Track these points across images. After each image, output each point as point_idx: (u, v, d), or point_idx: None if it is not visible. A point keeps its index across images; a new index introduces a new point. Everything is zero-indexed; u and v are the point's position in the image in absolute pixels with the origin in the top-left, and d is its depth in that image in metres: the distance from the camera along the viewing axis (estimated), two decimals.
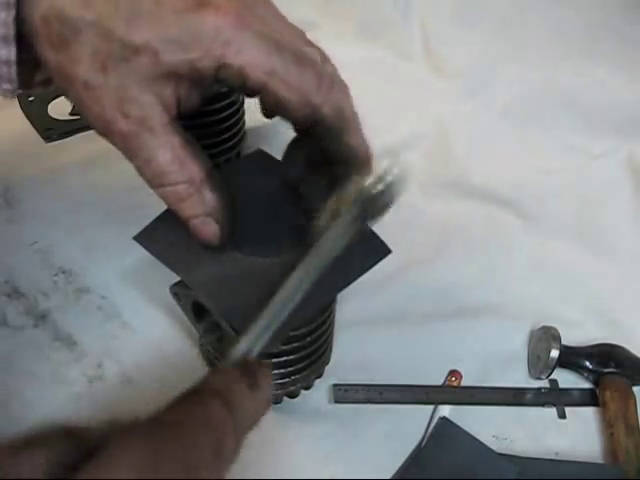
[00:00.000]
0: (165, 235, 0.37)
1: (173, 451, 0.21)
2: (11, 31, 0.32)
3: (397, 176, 0.33)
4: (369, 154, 0.36)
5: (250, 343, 0.29)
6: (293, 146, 0.38)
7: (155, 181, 0.34)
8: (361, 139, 0.36)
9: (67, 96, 0.35)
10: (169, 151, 0.33)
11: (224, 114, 0.55)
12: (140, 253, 0.37)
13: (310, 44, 0.35)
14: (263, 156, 0.42)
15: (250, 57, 0.31)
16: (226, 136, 0.56)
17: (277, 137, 0.52)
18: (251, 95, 0.34)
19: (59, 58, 0.32)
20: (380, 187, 0.32)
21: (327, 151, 0.36)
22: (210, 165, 0.35)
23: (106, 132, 0.34)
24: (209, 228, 0.35)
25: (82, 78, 0.32)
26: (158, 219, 0.38)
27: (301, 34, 0.35)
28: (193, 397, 0.24)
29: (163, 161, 0.33)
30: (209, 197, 0.35)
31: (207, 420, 0.23)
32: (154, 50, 0.31)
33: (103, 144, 0.34)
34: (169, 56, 0.31)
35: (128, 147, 0.34)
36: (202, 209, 0.35)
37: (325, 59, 0.35)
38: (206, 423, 0.22)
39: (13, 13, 0.31)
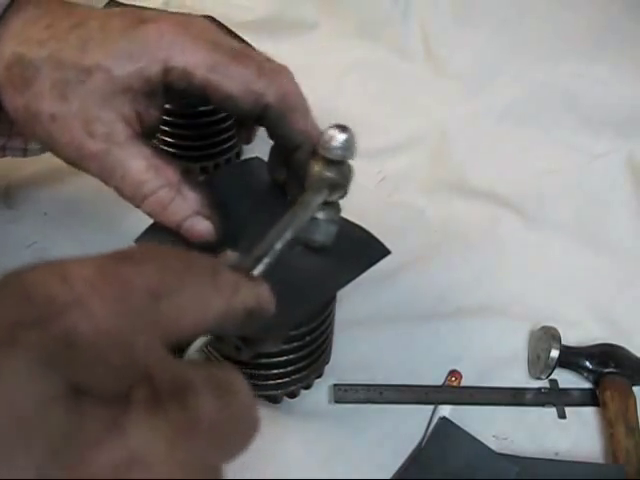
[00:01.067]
0: (166, 237, 0.37)
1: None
2: None
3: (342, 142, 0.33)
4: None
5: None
6: (274, 149, 0.40)
7: (136, 195, 0.35)
8: (311, 122, 0.37)
9: (35, 136, 0.37)
10: (142, 160, 0.35)
11: (224, 114, 0.55)
12: None
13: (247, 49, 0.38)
14: (260, 162, 0.43)
15: (192, 56, 0.34)
16: (226, 136, 0.56)
17: None
18: (197, 100, 0.36)
19: (24, 99, 0.35)
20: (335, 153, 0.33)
21: (281, 139, 0.37)
22: (183, 167, 0.36)
23: (79, 158, 0.35)
24: (200, 226, 0.36)
25: (48, 111, 0.34)
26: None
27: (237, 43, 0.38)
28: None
29: (138, 170, 0.35)
30: (191, 196, 0.36)
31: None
32: (105, 68, 0.34)
33: None
34: (120, 70, 0.34)
35: (102, 167, 0.35)
36: (188, 209, 0.35)
37: (266, 57, 0.37)
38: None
39: None
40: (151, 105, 0.36)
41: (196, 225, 0.36)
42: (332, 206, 0.36)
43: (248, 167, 0.43)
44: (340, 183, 0.34)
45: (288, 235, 0.30)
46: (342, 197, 0.36)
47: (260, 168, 0.42)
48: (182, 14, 0.39)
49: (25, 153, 0.46)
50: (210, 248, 0.37)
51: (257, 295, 0.24)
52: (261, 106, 0.35)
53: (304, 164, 0.37)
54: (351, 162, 0.35)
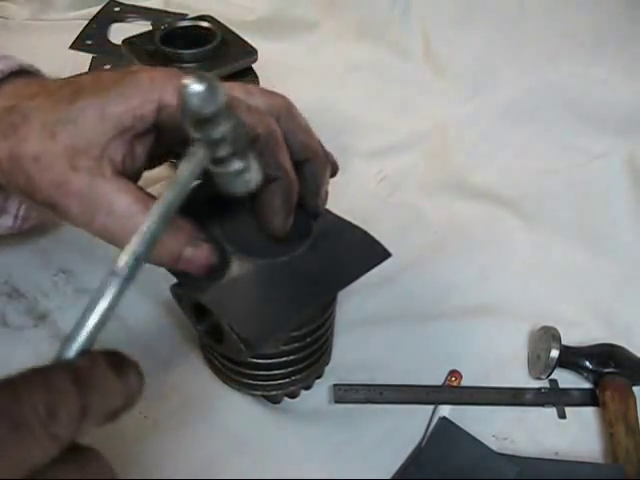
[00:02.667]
0: None
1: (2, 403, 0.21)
2: None
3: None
4: (293, 173, 0.37)
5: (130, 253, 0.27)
6: None
7: (126, 230, 0.33)
8: (287, 157, 0.36)
9: (13, 183, 0.36)
10: (128, 193, 0.34)
11: None
12: None
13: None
14: None
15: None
16: None
17: None
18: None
19: (8, 144, 0.34)
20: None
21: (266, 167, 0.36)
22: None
23: (61, 196, 0.34)
24: (201, 251, 0.35)
25: (31, 153, 0.34)
26: None
27: None
28: (42, 368, 0.24)
29: (126, 203, 0.34)
30: (185, 224, 0.35)
31: (45, 383, 0.23)
32: (99, 105, 0.34)
33: None
34: (113, 108, 0.34)
35: (86, 204, 0.34)
36: (185, 236, 0.35)
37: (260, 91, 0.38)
38: (43, 385, 0.22)
39: None
40: (140, 147, 0.36)
41: (198, 252, 0.35)
42: (237, 155, 0.32)
43: None
44: (217, 138, 0.30)
45: (157, 223, 0.27)
46: (239, 148, 0.32)
47: None
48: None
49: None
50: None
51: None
52: (250, 137, 0.35)
53: (317, 176, 0.38)
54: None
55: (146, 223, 0.27)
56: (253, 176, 0.33)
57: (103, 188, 0.34)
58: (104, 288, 0.25)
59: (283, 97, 0.38)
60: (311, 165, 0.38)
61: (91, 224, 0.34)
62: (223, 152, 0.30)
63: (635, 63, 0.67)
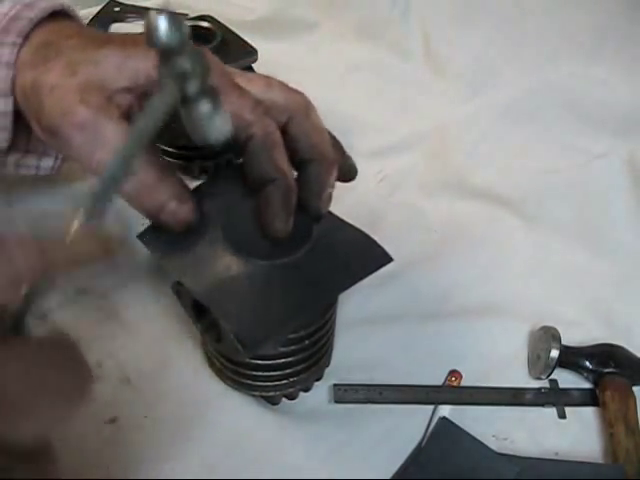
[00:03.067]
0: (167, 234, 0.37)
1: None
2: (8, 85, 0.39)
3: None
4: (292, 174, 0.38)
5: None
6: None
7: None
8: (286, 160, 0.37)
9: (28, 109, 0.38)
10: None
11: None
12: (141, 253, 0.37)
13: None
14: None
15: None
16: None
17: None
18: None
19: (35, 73, 0.37)
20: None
21: (256, 171, 0.38)
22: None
23: (65, 126, 0.35)
24: (185, 207, 0.36)
25: (49, 83, 0.36)
26: None
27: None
28: None
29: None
30: (172, 180, 0.36)
31: None
32: (122, 56, 0.37)
33: None
34: (132, 62, 0.36)
35: (88, 140, 0.35)
36: (170, 192, 0.36)
37: (270, 83, 0.39)
38: None
39: (12, 73, 0.38)
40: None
41: (178, 209, 0.36)
42: (205, 96, 0.32)
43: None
44: (184, 71, 0.30)
45: (129, 150, 0.28)
46: (206, 86, 0.32)
47: None
48: None
49: (38, 170, 0.47)
50: (212, 253, 0.37)
51: None
52: (246, 134, 0.36)
53: (320, 177, 0.38)
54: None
55: (121, 146, 0.28)
56: (224, 121, 0.33)
57: (108, 126, 0.35)
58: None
59: (302, 95, 0.39)
60: (316, 166, 0.38)
61: (90, 158, 0.36)
62: (192, 88, 0.31)
63: (635, 63, 0.67)
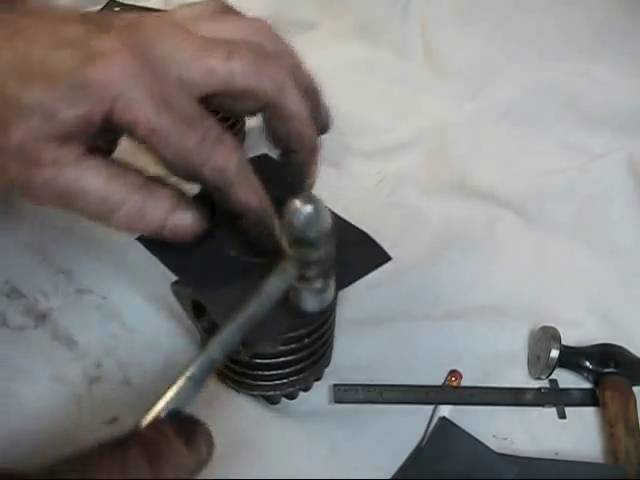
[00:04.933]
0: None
1: None
2: None
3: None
4: (262, 207, 0.35)
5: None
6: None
7: (103, 212, 0.32)
8: (251, 193, 0.34)
9: None
10: (99, 173, 0.32)
11: (224, 114, 0.55)
12: (140, 253, 0.37)
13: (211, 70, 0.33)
14: (268, 159, 0.42)
15: (135, 115, 0.31)
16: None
17: None
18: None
19: None
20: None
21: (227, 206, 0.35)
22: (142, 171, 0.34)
23: (31, 190, 0.31)
24: (184, 218, 0.34)
25: None
26: None
27: (205, 64, 0.33)
28: (116, 445, 0.24)
29: (97, 186, 0.32)
30: (164, 192, 0.33)
31: (121, 463, 0.23)
32: (47, 108, 0.30)
33: None
34: (63, 114, 0.30)
35: (58, 194, 0.31)
36: (165, 208, 0.33)
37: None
38: (119, 465, 0.23)
39: None
40: (99, 137, 0.33)
41: (179, 220, 0.34)
42: (323, 276, 0.33)
43: (256, 164, 0.43)
44: (312, 261, 0.30)
45: (235, 332, 0.29)
46: (327, 270, 0.32)
47: (268, 164, 0.41)
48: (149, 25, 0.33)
49: None
50: (211, 253, 0.37)
51: None
52: (196, 177, 0.33)
53: (301, 167, 0.37)
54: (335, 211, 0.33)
55: (225, 331, 0.28)
56: (328, 296, 0.34)
57: (70, 176, 0.31)
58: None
59: (277, 67, 0.35)
60: (296, 156, 0.37)
61: (72, 210, 0.32)
62: (311, 272, 0.31)
63: (635, 63, 0.67)
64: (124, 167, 0.33)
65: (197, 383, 0.27)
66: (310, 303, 0.34)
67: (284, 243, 0.30)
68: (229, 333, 0.28)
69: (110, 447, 0.23)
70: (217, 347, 0.28)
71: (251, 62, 0.34)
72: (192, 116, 0.32)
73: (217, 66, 0.33)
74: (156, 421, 0.26)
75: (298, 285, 0.32)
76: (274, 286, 0.30)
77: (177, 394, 0.27)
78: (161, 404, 0.27)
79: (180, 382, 0.27)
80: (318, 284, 0.33)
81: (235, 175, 0.33)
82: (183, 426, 0.26)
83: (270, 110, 0.35)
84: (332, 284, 0.34)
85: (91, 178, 0.32)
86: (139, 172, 0.33)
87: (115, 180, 0.32)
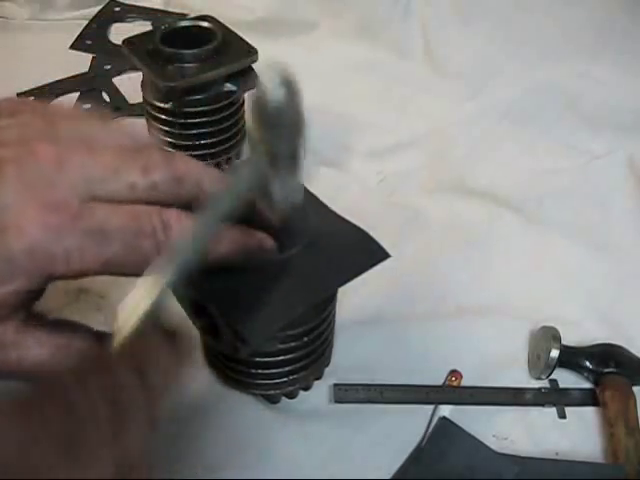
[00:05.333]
0: None
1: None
2: None
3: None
4: (244, 243, 0.34)
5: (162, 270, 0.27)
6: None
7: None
8: (226, 244, 0.32)
9: None
10: (39, 349, 0.31)
11: (224, 114, 0.55)
12: None
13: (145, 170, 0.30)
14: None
15: (79, 264, 0.30)
16: (226, 136, 0.56)
17: None
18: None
19: None
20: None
21: None
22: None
23: None
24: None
25: None
26: None
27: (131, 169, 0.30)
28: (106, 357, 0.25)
29: (44, 357, 0.31)
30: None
31: (113, 378, 0.24)
32: None
33: None
34: None
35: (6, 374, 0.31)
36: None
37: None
38: (112, 380, 0.24)
39: None
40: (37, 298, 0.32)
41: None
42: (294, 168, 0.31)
43: None
44: (280, 153, 0.29)
45: (208, 227, 0.27)
46: (297, 161, 0.31)
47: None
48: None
49: None
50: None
51: None
52: None
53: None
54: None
55: (197, 225, 0.27)
56: (298, 188, 0.33)
57: (12, 357, 0.31)
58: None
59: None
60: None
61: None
62: (281, 163, 0.30)
63: (636, 63, 0.67)
64: (70, 329, 0.33)
65: (171, 285, 0.26)
66: (279, 194, 0.32)
67: (254, 132, 0.29)
68: (203, 226, 0.27)
69: (100, 360, 0.24)
70: (190, 245, 0.26)
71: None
72: (137, 235, 0.30)
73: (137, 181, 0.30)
74: (140, 331, 0.26)
75: (269, 177, 0.31)
76: (245, 176, 0.29)
77: (154, 302, 0.27)
78: (140, 312, 0.26)
79: (155, 287, 0.26)
80: (287, 174, 0.31)
81: (202, 244, 0.30)
82: (165, 334, 0.27)
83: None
84: (300, 182, 0.33)
85: (33, 356, 0.31)
86: (88, 330, 0.33)
87: (59, 352, 0.31)
